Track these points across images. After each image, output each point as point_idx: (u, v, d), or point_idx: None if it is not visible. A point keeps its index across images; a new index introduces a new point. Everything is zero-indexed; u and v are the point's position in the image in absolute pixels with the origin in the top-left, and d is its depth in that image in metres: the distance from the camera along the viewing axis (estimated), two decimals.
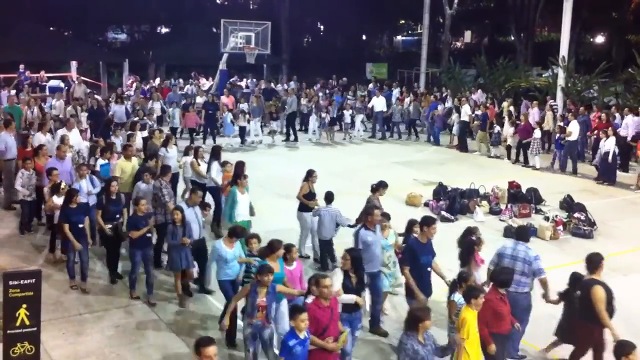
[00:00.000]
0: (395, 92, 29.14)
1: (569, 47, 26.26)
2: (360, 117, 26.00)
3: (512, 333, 8.27)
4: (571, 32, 26.48)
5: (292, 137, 25.01)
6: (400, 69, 41.44)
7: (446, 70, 35.27)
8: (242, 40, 27.08)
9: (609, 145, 19.36)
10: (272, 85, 31.83)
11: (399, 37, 59.84)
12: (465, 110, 24.29)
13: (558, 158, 21.24)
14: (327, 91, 30.38)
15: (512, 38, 45.22)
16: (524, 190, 16.89)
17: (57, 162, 13.22)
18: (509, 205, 16.05)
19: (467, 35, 48.27)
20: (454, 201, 15.96)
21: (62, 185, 11.86)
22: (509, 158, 22.46)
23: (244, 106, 24.37)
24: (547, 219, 15.25)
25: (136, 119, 19.77)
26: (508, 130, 22.55)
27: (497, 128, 22.95)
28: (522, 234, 9.40)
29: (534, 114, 23.77)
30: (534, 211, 16.12)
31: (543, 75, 32.75)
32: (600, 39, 49.52)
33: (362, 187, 15.35)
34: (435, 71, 37.63)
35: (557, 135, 21.50)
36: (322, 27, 54.80)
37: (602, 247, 13.57)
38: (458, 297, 7.99)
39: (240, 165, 13.03)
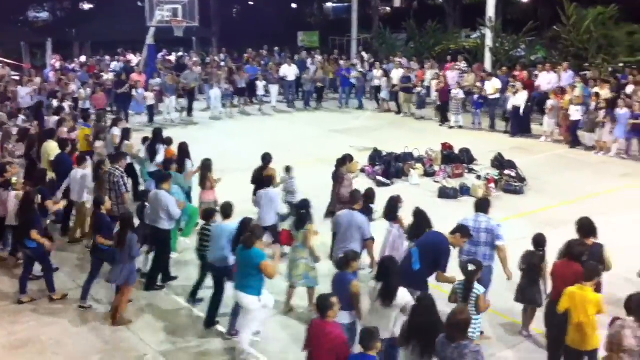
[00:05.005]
0: (309, 60, 28.65)
1: (496, 8, 26.61)
2: (275, 87, 25.51)
3: None
4: None
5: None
6: (332, 37, 41.24)
7: (377, 36, 35.33)
8: (169, 14, 26.36)
9: (519, 100, 20.09)
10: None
11: (329, 4, 59.49)
12: (398, 74, 24.51)
13: (476, 115, 21.76)
14: (224, 59, 29.57)
15: (441, 1, 45.57)
16: (456, 151, 17.26)
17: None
18: (442, 167, 16.39)
19: (397, 0, 48.42)
20: (389, 166, 16.16)
21: None
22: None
23: (155, 81, 23.69)
24: (479, 177, 15.68)
25: (55, 102, 19.16)
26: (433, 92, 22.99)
27: (421, 90, 23.39)
28: (482, 205, 8.94)
29: (452, 76, 24.11)
30: (466, 171, 16.50)
31: (472, 37, 33.20)
32: None
33: (302, 157, 15.33)
34: (367, 37, 37.65)
35: (477, 95, 21.88)
36: None
37: (533, 202, 14.09)
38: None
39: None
